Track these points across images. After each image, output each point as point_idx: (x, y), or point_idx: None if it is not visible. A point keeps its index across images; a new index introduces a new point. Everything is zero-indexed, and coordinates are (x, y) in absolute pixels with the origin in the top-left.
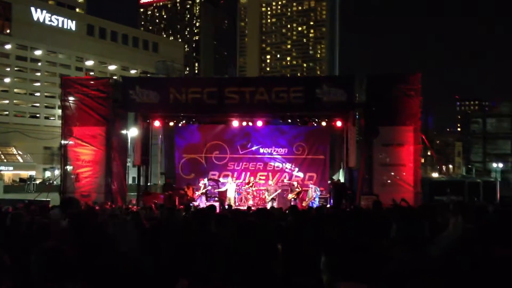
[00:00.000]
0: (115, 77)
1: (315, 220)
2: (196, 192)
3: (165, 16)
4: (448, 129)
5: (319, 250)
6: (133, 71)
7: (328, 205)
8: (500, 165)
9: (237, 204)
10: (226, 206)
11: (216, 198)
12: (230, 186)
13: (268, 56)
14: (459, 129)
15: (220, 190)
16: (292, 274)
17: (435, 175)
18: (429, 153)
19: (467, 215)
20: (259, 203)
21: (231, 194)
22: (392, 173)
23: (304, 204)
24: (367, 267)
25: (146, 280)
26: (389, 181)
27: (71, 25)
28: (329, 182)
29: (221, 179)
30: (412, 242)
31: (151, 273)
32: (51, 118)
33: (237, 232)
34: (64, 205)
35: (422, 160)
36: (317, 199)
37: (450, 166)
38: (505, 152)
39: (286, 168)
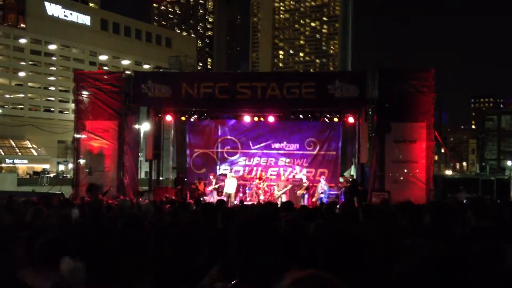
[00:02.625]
0: (128, 72)
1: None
2: (208, 187)
3: (178, 12)
4: (462, 126)
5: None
6: (146, 66)
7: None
8: None
9: (248, 199)
10: (236, 202)
11: (224, 194)
12: (229, 182)
13: (281, 52)
14: (473, 126)
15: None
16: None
17: (448, 172)
18: (442, 150)
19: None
20: (270, 199)
21: (231, 190)
22: (405, 170)
23: (313, 199)
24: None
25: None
26: (401, 178)
27: (85, 19)
28: (340, 179)
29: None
30: (445, 234)
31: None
32: (65, 112)
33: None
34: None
35: (436, 157)
36: (325, 195)
37: (464, 163)
38: None
39: (298, 164)
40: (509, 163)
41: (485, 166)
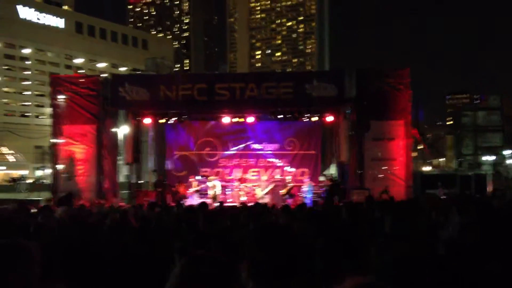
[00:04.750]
0: (104, 75)
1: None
2: (189, 190)
3: (154, 13)
4: (439, 123)
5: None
6: (122, 69)
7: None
8: (491, 158)
9: (229, 200)
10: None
11: (208, 195)
12: (213, 184)
13: (258, 52)
14: (449, 123)
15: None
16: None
17: (426, 168)
18: (420, 147)
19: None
20: (252, 200)
21: (217, 192)
22: (384, 168)
23: (298, 199)
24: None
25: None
26: (380, 176)
27: (59, 22)
28: (320, 178)
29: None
30: (407, 236)
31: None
32: (42, 117)
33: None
34: (64, 201)
35: (414, 154)
36: (309, 195)
37: (442, 159)
38: (496, 144)
39: (278, 164)
40: (485, 158)
41: (463, 161)
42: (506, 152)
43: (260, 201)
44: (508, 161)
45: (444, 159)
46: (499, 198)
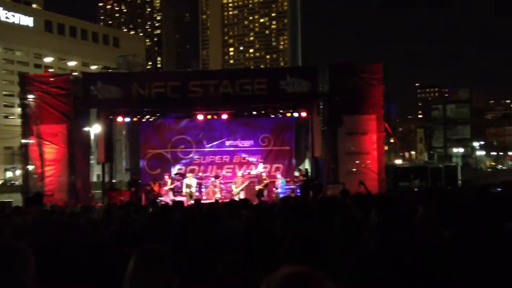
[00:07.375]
0: (75, 73)
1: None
2: (164, 188)
3: (124, 10)
4: (409, 117)
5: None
6: (94, 67)
7: (294, 195)
8: (461, 150)
9: (204, 198)
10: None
11: (183, 193)
12: (189, 182)
13: (231, 49)
14: (420, 116)
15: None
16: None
17: (398, 161)
18: (392, 141)
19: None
20: (227, 196)
21: (192, 189)
22: (357, 161)
23: (273, 195)
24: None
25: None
26: (354, 169)
27: (28, 21)
28: (295, 173)
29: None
30: (392, 227)
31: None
32: (11, 117)
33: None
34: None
35: (386, 148)
36: (283, 190)
37: (413, 152)
38: (465, 137)
39: (253, 160)
40: (455, 150)
41: (433, 154)
42: (475, 144)
43: (236, 197)
44: (478, 153)
45: (414, 152)
46: (468, 189)
